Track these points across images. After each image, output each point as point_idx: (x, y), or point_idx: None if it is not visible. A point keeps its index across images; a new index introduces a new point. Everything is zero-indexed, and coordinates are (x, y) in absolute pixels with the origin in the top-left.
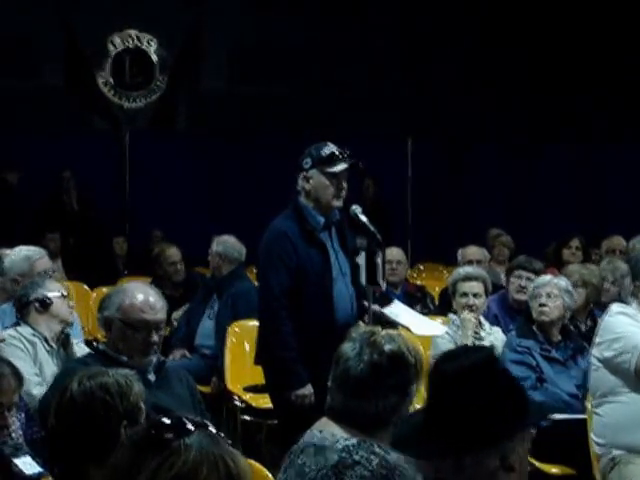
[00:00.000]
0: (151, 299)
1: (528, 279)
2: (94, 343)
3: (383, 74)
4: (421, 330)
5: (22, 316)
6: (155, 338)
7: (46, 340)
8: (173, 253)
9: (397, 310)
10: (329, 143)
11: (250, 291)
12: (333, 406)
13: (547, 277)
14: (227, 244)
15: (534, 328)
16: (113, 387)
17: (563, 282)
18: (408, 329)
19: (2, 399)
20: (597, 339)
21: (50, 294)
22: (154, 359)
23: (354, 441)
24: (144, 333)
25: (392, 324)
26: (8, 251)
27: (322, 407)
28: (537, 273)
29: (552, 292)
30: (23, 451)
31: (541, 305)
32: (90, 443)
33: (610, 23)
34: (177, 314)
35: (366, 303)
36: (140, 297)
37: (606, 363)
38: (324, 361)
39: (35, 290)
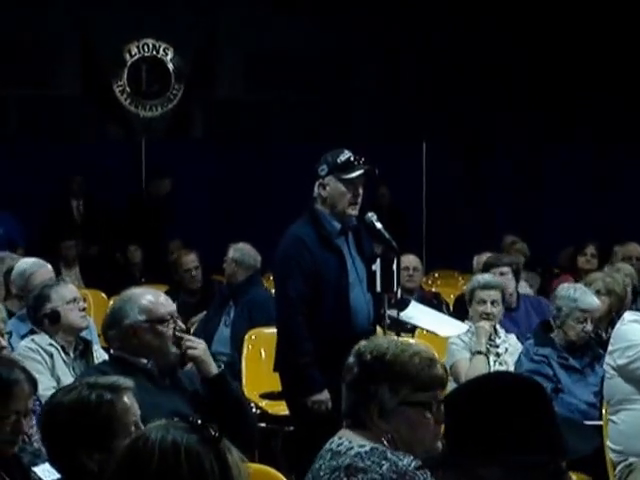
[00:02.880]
0: (159, 295)
1: (501, 274)
2: (111, 350)
3: (397, 78)
4: (445, 331)
5: (39, 327)
6: (183, 326)
7: (64, 349)
8: (190, 260)
9: (416, 313)
10: (345, 150)
11: (266, 298)
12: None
13: (597, 302)
14: (243, 251)
15: (551, 336)
16: (78, 405)
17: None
18: (433, 333)
19: (18, 406)
20: (610, 347)
21: (57, 305)
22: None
23: (367, 448)
24: (172, 323)
25: (412, 330)
26: (27, 259)
27: (339, 413)
28: (509, 264)
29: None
30: (42, 458)
31: (585, 331)
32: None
33: (626, 22)
34: (194, 321)
35: (383, 310)
36: (151, 296)
37: (620, 371)
38: (341, 367)
39: (42, 305)
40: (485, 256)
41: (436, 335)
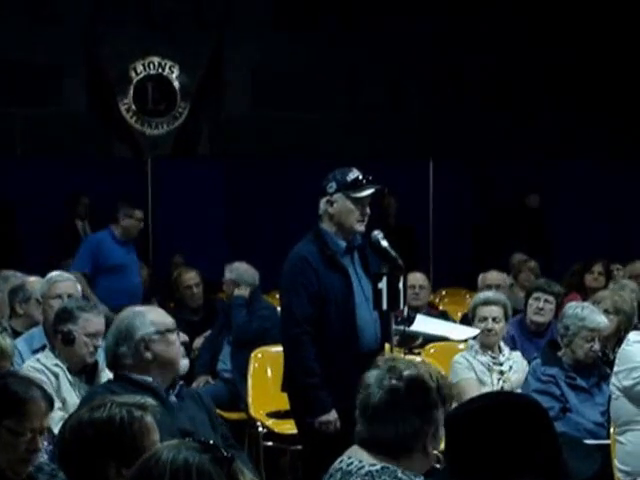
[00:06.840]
0: (157, 308)
1: (546, 301)
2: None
3: (404, 95)
4: (458, 335)
5: (50, 341)
6: (186, 337)
7: (69, 370)
8: (190, 277)
9: (425, 325)
10: (354, 168)
11: (269, 315)
12: (359, 433)
13: (605, 321)
14: (239, 270)
15: (559, 355)
16: (110, 422)
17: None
18: (447, 338)
19: (33, 424)
20: (616, 368)
21: (77, 330)
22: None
23: (378, 467)
24: (177, 333)
25: (424, 341)
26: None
27: (347, 433)
28: (556, 296)
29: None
30: (60, 478)
31: (592, 350)
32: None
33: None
34: (198, 342)
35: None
36: (153, 309)
37: (625, 392)
38: (349, 387)
39: (65, 321)
40: (490, 274)
41: (448, 340)
